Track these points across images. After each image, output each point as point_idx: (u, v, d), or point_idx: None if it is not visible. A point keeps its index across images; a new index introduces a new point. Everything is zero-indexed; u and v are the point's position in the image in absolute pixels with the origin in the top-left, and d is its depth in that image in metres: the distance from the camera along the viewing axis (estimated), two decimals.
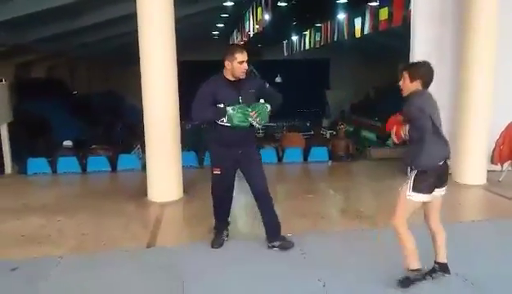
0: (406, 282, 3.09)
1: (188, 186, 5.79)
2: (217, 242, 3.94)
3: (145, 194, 5.59)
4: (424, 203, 3.06)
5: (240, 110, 3.48)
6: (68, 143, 8.13)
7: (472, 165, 5.99)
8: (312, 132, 12.22)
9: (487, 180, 6.03)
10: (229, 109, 3.48)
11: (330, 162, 8.03)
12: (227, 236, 4.03)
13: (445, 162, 3.01)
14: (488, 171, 6.08)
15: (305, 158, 8.13)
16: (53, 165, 7.42)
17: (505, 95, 6.02)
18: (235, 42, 18.66)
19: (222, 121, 3.52)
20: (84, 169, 7.45)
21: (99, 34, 11.56)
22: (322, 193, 6.16)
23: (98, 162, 7.50)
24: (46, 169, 7.37)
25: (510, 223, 4.60)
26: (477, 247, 3.92)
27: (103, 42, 12.95)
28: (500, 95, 5.92)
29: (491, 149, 6.06)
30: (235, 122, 3.48)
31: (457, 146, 6.02)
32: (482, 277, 3.32)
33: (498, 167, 6.11)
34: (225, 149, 3.65)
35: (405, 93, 3.01)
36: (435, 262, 3.22)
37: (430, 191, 2.98)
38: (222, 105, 3.52)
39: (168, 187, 5.55)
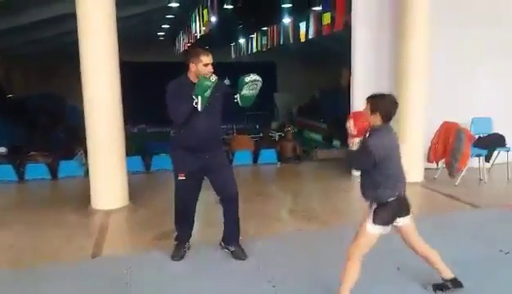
0: None
1: (134, 192, 5.63)
2: (178, 254, 3.80)
3: (89, 202, 5.36)
4: (398, 231, 3.05)
5: (198, 81, 3.37)
6: (2, 150, 7.61)
7: (409, 163, 6.23)
8: (261, 135, 12.33)
9: (424, 177, 6.40)
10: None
11: (278, 164, 8.16)
12: (189, 248, 3.89)
13: (401, 196, 2.97)
14: (425, 169, 6.46)
15: (254, 161, 8.19)
16: None
17: (439, 96, 6.43)
18: (182, 43, 18.43)
19: (197, 104, 3.34)
20: (22, 177, 7.01)
21: (38, 33, 10.96)
22: (272, 196, 6.23)
23: (37, 170, 7.07)
24: None
25: (446, 217, 4.92)
26: None
27: (43, 41, 12.30)
28: (435, 97, 6.31)
29: (427, 148, 6.44)
30: (201, 88, 3.32)
31: None
32: (417, 268, 3.49)
33: (434, 165, 6.51)
34: (190, 153, 3.54)
35: (369, 124, 2.91)
36: (443, 279, 3.19)
37: (389, 223, 2.95)
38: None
39: (113, 194, 5.36)
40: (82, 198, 5.55)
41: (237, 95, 3.52)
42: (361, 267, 2.92)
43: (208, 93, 3.36)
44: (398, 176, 2.98)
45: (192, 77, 3.53)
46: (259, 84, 3.53)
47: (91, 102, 5.21)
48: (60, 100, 16.23)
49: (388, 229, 2.97)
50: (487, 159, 6.27)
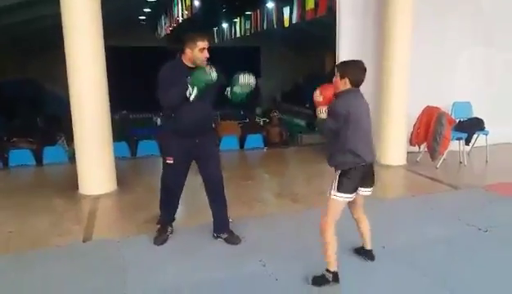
0: (320, 280, 3.06)
1: (121, 178, 5.63)
2: (161, 238, 3.85)
3: (77, 188, 5.35)
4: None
5: (198, 71, 3.33)
6: None
7: (393, 147, 6.49)
8: (247, 120, 12.38)
9: (407, 160, 6.58)
10: (188, 78, 3.31)
11: (265, 149, 8.24)
12: (172, 232, 3.94)
13: (368, 165, 3.00)
14: (408, 152, 6.63)
15: (241, 146, 8.26)
16: None
17: (422, 81, 6.57)
18: (164, 28, 18.16)
19: (190, 96, 3.33)
20: (6, 164, 6.91)
21: (15, 17, 10.66)
22: (259, 179, 6.32)
23: (21, 156, 6.99)
24: None
25: (429, 198, 5.09)
26: (399, 221, 4.31)
27: (20, 26, 11.96)
28: (418, 82, 6.46)
29: (410, 132, 6.60)
30: (198, 80, 3.29)
31: (380, 130, 6.48)
32: (402, 247, 3.67)
33: (416, 148, 6.68)
34: (180, 137, 3.53)
35: (335, 90, 3.00)
36: (362, 248, 3.37)
37: (354, 191, 3.00)
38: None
39: (101, 179, 5.35)
40: (69, 183, 5.53)
41: (228, 90, 3.50)
42: (336, 236, 3.00)
43: (203, 86, 3.33)
44: (366, 144, 2.99)
45: (187, 61, 3.48)
46: (253, 85, 3.48)
47: (77, 88, 5.13)
48: (40, 87, 15.89)
49: (353, 195, 3.03)
50: (467, 142, 6.47)
